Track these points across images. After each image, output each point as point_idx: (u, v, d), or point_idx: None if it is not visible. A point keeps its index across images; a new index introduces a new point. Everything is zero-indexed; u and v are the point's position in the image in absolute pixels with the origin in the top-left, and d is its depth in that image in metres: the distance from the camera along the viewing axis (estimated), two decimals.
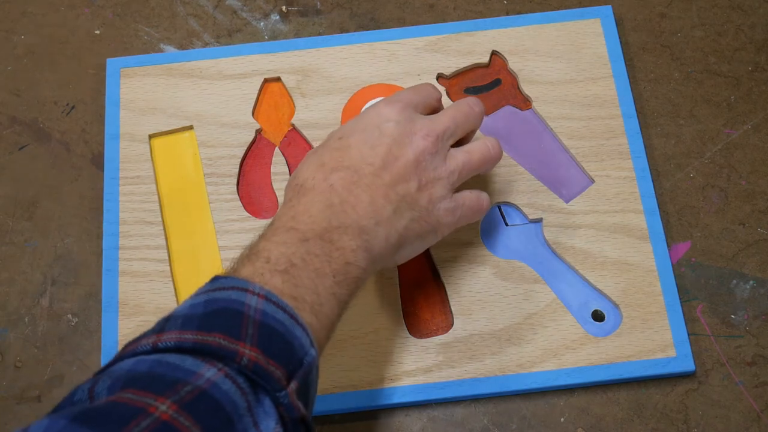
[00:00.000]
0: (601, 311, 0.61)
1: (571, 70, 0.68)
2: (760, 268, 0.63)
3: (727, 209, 0.64)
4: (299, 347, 0.44)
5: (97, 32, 0.73)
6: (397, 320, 0.61)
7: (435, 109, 0.58)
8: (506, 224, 0.64)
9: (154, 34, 0.73)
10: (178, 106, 0.68)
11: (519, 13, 0.72)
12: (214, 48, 0.70)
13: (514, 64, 0.68)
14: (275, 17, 0.73)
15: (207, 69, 0.69)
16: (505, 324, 0.60)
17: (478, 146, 0.57)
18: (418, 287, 0.62)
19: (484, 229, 0.64)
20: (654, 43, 0.70)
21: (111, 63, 0.69)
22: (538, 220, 0.63)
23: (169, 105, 0.68)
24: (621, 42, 0.69)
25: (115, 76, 0.69)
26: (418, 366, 0.59)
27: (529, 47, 0.69)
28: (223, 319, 0.43)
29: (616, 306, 0.61)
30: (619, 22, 0.71)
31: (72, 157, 0.68)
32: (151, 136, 0.67)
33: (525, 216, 0.64)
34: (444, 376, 0.59)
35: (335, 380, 0.59)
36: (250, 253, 0.48)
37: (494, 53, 0.69)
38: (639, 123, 0.66)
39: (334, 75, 0.68)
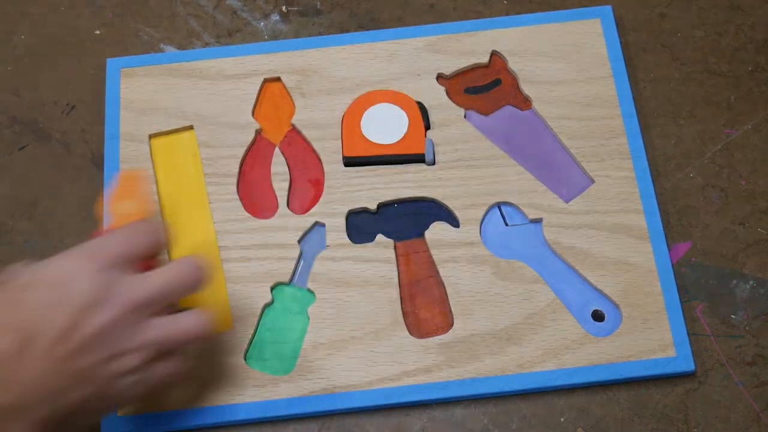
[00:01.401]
0: (601, 311, 0.61)
1: (571, 70, 0.68)
2: (760, 268, 0.63)
3: (727, 209, 0.64)
4: None
5: (97, 32, 0.73)
6: (397, 320, 0.61)
7: (153, 255, 0.52)
8: (506, 224, 0.64)
9: (154, 34, 0.73)
10: (178, 106, 0.68)
11: (519, 13, 0.72)
12: (214, 48, 0.70)
13: (514, 64, 0.68)
14: (275, 17, 0.73)
15: (207, 69, 0.69)
16: (505, 324, 0.60)
17: (184, 320, 0.51)
18: (418, 287, 0.62)
19: (484, 229, 0.64)
20: (654, 43, 0.70)
21: (111, 63, 0.69)
22: (538, 220, 0.63)
23: (169, 105, 0.68)
24: (621, 42, 0.69)
25: (115, 76, 0.69)
26: (418, 366, 0.59)
27: (529, 47, 0.69)
28: None
29: (616, 306, 0.61)
30: (619, 22, 0.71)
31: (72, 157, 0.68)
32: (151, 136, 0.67)
33: (525, 216, 0.64)
34: (444, 376, 0.59)
35: (335, 380, 0.59)
36: None
37: (494, 53, 0.69)
38: (639, 123, 0.66)
39: (334, 75, 0.68)
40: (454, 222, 0.63)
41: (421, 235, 0.63)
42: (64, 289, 0.47)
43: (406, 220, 0.64)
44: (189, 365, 0.53)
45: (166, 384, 0.52)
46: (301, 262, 0.62)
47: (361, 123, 0.66)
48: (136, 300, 0.48)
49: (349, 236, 0.63)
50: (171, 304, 0.52)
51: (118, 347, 0.48)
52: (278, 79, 0.68)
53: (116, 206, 0.56)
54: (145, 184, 0.58)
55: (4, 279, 0.48)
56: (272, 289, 0.62)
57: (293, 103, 0.67)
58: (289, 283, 0.62)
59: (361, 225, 0.64)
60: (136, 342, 0.48)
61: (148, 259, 0.52)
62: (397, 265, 0.62)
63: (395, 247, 0.63)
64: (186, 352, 0.53)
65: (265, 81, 0.68)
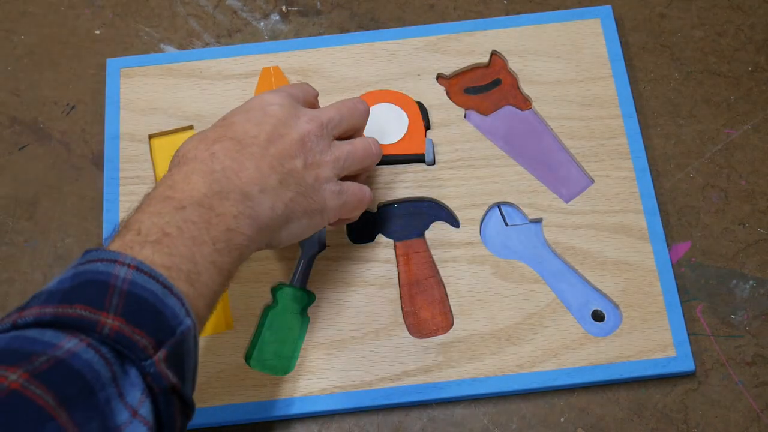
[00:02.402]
0: (601, 311, 0.61)
1: (571, 70, 0.68)
2: (760, 268, 0.63)
3: (727, 209, 0.64)
4: (172, 316, 0.43)
5: (97, 32, 0.73)
6: (397, 320, 0.61)
7: (313, 106, 0.59)
8: (506, 224, 0.64)
9: (154, 34, 0.73)
10: (178, 106, 0.68)
11: (519, 13, 0.72)
12: (214, 48, 0.70)
13: (514, 64, 0.68)
14: (275, 17, 0.73)
15: (207, 69, 0.69)
16: (505, 324, 0.60)
17: (361, 141, 0.58)
18: (418, 287, 0.62)
19: (484, 229, 0.64)
20: (654, 43, 0.70)
21: (111, 63, 0.69)
22: (538, 220, 0.63)
23: (169, 105, 0.68)
24: (621, 42, 0.69)
25: (115, 76, 0.69)
26: (418, 366, 0.59)
27: (529, 47, 0.69)
28: (86, 291, 0.42)
29: (616, 306, 0.61)
30: (619, 22, 0.71)
31: (72, 157, 0.68)
32: (151, 136, 0.67)
33: (525, 216, 0.64)
34: (444, 376, 0.59)
35: (335, 380, 0.59)
36: (123, 226, 0.47)
37: (494, 53, 0.69)
38: (639, 123, 0.66)
39: (334, 75, 0.68)
40: (454, 222, 0.63)
41: (421, 235, 0.63)
42: (262, 112, 0.53)
43: (406, 220, 0.64)
44: (370, 194, 0.58)
45: (355, 204, 0.57)
46: (301, 262, 0.62)
47: None
48: (322, 118, 0.55)
49: (349, 236, 0.63)
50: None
51: (314, 157, 0.54)
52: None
53: None
54: (284, 76, 0.68)
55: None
56: (272, 289, 0.62)
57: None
58: (289, 283, 0.62)
59: (361, 225, 0.64)
60: (328, 154, 0.54)
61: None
62: (397, 265, 0.62)
63: (395, 247, 0.63)
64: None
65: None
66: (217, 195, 0.48)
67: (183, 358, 0.43)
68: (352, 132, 0.58)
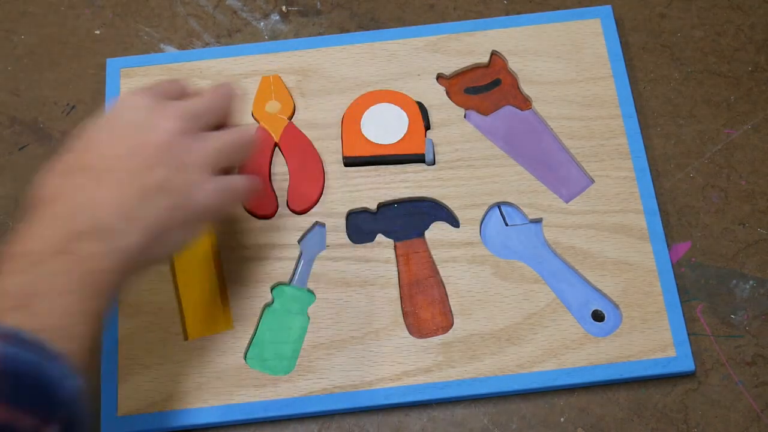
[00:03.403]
0: (601, 311, 0.61)
1: (571, 70, 0.68)
2: (760, 268, 0.63)
3: (727, 209, 0.64)
4: (57, 382, 0.40)
5: (97, 32, 0.73)
6: (397, 320, 0.61)
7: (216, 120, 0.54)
8: (506, 224, 0.64)
9: (154, 34, 0.73)
10: None
11: (519, 13, 0.72)
12: (214, 48, 0.70)
13: (514, 64, 0.68)
14: (275, 17, 0.73)
15: (207, 69, 0.69)
16: (505, 324, 0.60)
17: (234, 130, 0.54)
18: (418, 287, 0.62)
19: (484, 229, 0.64)
20: (654, 43, 0.70)
21: (111, 63, 0.69)
22: (538, 220, 0.63)
23: None
24: (621, 42, 0.69)
25: (115, 76, 0.69)
26: (418, 366, 0.59)
27: (529, 47, 0.69)
28: None
29: (616, 306, 0.61)
30: (619, 22, 0.71)
31: None
32: None
33: (525, 216, 0.64)
34: (444, 376, 0.59)
35: (335, 380, 0.59)
36: None
37: (494, 53, 0.69)
38: (639, 123, 0.66)
39: (334, 75, 0.68)
40: (454, 222, 0.63)
41: (421, 235, 0.63)
42: (121, 120, 0.50)
43: (406, 220, 0.64)
44: (253, 180, 0.55)
45: (238, 195, 0.53)
46: (301, 262, 0.62)
47: (361, 123, 0.66)
48: (185, 111, 0.51)
49: (349, 236, 0.63)
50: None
51: (181, 157, 0.49)
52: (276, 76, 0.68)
53: (261, 108, 0.66)
54: (284, 85, 0.67)
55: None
56: (272, 289, 0.62)
57: (291, 97, 0.67)
58: (289, 283, 0.62)
59: (361, 225, 0.64)
60: (198, 150, 0.50)
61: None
62: (397, 265, 0.62)
63: (395, 247, 0.63)
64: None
65: (263, 77, 0.68)
66: (75, 238, 0.45)
67: (77, 423, 0.41)
68: (224, 120, 0.54)
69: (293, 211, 0.64)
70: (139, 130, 0.49)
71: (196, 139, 0.51)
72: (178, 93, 0.53)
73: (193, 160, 0.50)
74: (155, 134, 0.49)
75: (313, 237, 0.63)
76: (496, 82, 0.68)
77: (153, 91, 0.52)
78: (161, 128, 0.49)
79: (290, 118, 0.67)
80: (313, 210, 0.64)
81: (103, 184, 0.47)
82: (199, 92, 0.55)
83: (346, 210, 0.64)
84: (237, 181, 0.53)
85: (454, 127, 0.66)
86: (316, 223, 0.64)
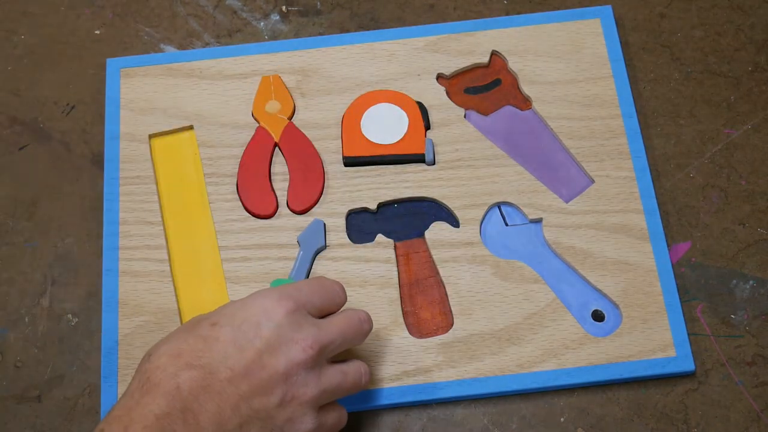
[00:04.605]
0: (601, 311, 0.61)
1: (571, 70, 0.68)
2: (760, 268, 0.63)
3: (727, 209, 0.64)
4: None
5: (97, 32, 0.73)
6: (397, 320, 0.61)
7: (331, 313, 0.53)
8: (506, 224, 0.64)
9: (154, 34, 0.73)
10: (178, 106, 0.68)
11: (519, 13, 0.72)
12: (214, 48, 0.70)
13: (514, 64, 0.68)
14: (275, 17, 0.73)
15: (207, 69, 0.69)
16: (505, 324, 0.60)
17: (355, 369, 0.52)
18: (418, 287, 0.62)
19: (484, 229, 0.64)
20: (654, 43, 0.70)
21: (111, 63, 0.69)
22: (538, 220, 0.63)
23: (169, 105, 0.68)
24: (621, 42, 0.69)
25: (115, 76, 0.69)
26: (418, 366, 0.59)
27: (529, 47, 0.69)
28: None
29: (616, 306, 0.61)
30: (619, 22, 0.71)
31: (72, 157, 0.68)
32: (151, 136, 0.67)
33: (525, 216, 0.64)
34: (444, 376, 0.59)
35: None
36: None
37: (494, 53, 0.69)
38: (639, 123, 0.66)
39: (334, 75, 0.68)
40: (454, 222, 0.63)
41: (421, 235, 0.63)
42: (254, 330, 0.48)
43: (406, 220, 0.64)
44: (345, 414, 0.54)
45: (333, 431, 0.52)
46: (299, 257, 0.62)
47: (361, 123, 0.66)
48: (322, 342, 0.49)
49: (349, 236, 0.63)
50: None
51: (296, 392, 0.48)
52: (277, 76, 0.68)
53: (261, 108, 0.66)
54: (284, 85, 0.67)
55: (206, 314, 0.50)
56: (271, 283, 0.62)
57: (291, 98, 0.67)
58: (288, 277, 0.62)
59: (361, 225, 0.64)
60: (314, 386, 0.49)
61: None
62: (397, 265, 0.62)
63: (395, 247, 0.63)
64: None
65: (263, 77, 0.68)
66: None
67: None
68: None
69: (293, 211, 0.64)
70: (265, 349, 0.48)
71: (315, 373, 0.49)
72: (321, 306, 0.52)
73: (305, 396, 0.49)
74: (279, 361, 0.48)
75: (311, 232, 0.63)
76: (496, 82, 0.68)
77: (297, 303, 0.50)
78: (290, 355, 0.48)
79: (290, 118, 0.67)
80: (313, 210, 0.64)
81: (213, 393, 0.47)
82: (340, 311, 0.53)
83: (346, 210, 0.64)
84: (337, 421, 0.52)
85: (454, 127, 0.66)
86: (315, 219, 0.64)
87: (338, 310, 0.53)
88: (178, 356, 0.47)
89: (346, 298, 0.54)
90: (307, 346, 0.49)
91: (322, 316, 0.52)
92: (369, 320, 0.53)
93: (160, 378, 0.47)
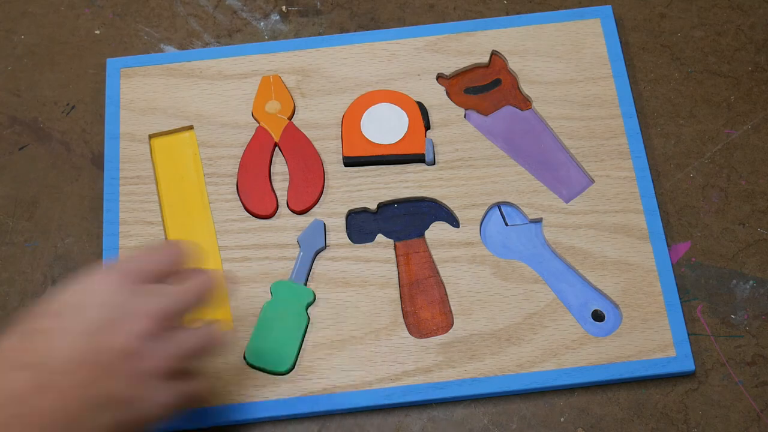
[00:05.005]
0: (601, 311, 0.61)
1: (571, 70, 0.68)
2: (760, 268, 0.63)
3: (727, 209, 0.64)
4: None
5: (97, 32, 0.73)
6: (397, 320, 0.61)
7: (172, 274, 0.49)
8: (506, 224, 0.64)
9: (154, 34, 0.73)
10: (178, 106, 0.68)
11: (519, 13, 0.72)
12: (214, 48, 0.70)
13: (514, 64, 0.68)
14: (275, 17, 0.73)
15: (207, 69, 0.69)
16: (505, 324, 0.60)
17: (200, 331, 0.49)
18: (418, 287, 0.62)
19: (484, 229, 0.64)
20: (654, 43, 0.70)
21: (111, 63, 0.69)
22: (538, 220, 0.63)
23: (169, 105, 0.68)
24: (621, 42, 0.69)
25: (115, 76, 0.69)
26: (418, 366, 0.59)
27: (529, 47, 0.69)
28: None
29: (616, 306, 0.61)
30: (619, 22, 0.71)
31: (72, 157, 0.68)
32: (151, 136, 0.67)
33: (525, 216, 0.64)
34: (444, 376, 0.59)
35: (335, 380, 0.59)
36: None
37: (494, 53, 0.69)
38: (639, 123, 0.66)
39: (334, 75, 0.68)
40: (454, 222, 0.63)
41: (421, 235, 0.63)
42: (78, 314, 0.45)
43: (406, 220, 0.64)
44: (209, 383, 0.51)
45: (192, 402, 0.50)
46: (300, 258, 0.62)
47: (361, 123, 0.66)
48: (157, 310, 0.46)
49: (349, 236, 0.63)
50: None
51: (140, 364, 0.45)
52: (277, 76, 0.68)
53: (261, 108, 0.66)
54: (284, 85, 0.67)
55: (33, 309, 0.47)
56: (271, 285, 0.62)
57: (291, 98, 0.67)
58: (289, 279, 0.62)
59: (361, 225, 0.64)
60: (158, 356, 0.46)
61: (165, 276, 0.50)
62: (397, 265, 0.62)
63: (395, 247, 0.63)
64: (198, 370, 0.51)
65: (263, 77, 0.68)
66: None
67: None
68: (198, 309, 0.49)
69: (293, 211, 0.64)
70: (101, 330, 0.44)
71: (159, 341, 0.46)
72: (158, 272, 0.48)
73: (151, 367, 0.46)
74: (117, 338, 0.45)
75: (311, 232, 0.63)
76: (496, 82, 0.68)
77: (130, 272, 0.47)
78: (126, 331, 0.45)
79: (290, 118, 0.67)
80: (313, 210, 0.64)
81: (51, 391, 0.43)
82: (182, 274, 0.49)
83: (346, 210, 0.64)
84: (191, 387, 0.49)
85: (454, 127, 0.66)
86: (315, 220, 0.64)
87: (181, 269, 0.49)
88: (5, 360, 0.44)
89: (183, 255, 0.49)
90: (146, 315, 0.45)
91: (163, 282, 0.49)
92: (209, 279, 0.49)
93: None
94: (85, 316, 0.45)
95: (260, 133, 0.66)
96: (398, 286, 0.62)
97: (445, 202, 0.64)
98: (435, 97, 0.67)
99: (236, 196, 0.65)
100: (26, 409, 0.43)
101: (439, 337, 0.60)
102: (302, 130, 0.66)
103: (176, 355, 0.47)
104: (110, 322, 0.45)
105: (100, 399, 0.44)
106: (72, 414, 0.43)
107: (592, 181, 0.64)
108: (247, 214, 0.64)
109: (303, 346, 0.60)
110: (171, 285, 0.48)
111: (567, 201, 0.64)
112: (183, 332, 0.48)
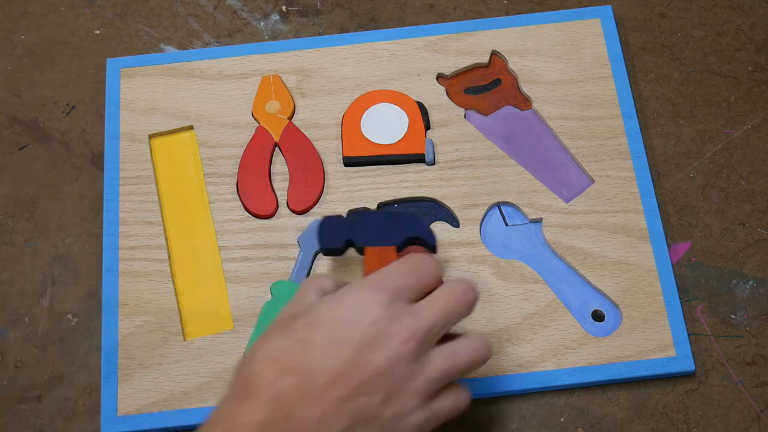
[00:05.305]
0: (601, 311, 0.61)
1: (571, 70, 0.68)
2: (760, 268, 0.63)
3: (727, 209, 0.64)
4: None
5: (97, 32, 0.73)
6: None
7: (430, 290, 0.49)
8: (506, 224, 0.64)
9: (154, 34, 0.73)
10: (178, 106, 0.68)
11: (519, 13, 0.72)
12: (214, 48, 0.70)
13: (514, 64, 0.68)
14: (275, 17, 0.73)
15: (207, 69, 0.69)
16: (505, 324, 0.60)
17: (466, 348, 0.48)
18: None
19: (484, 229, 0.64)
20: (654, 43, 0.70)
21: (111, 63, 0.69)
22: (538, 220, 0.63)
23: (169, 105, 0.68)
24: (621, 42, 0.69)
25: (115, 76, 0.69)
26: None
27: (529, 47, 0.69)
28: None
29: (616, 306, 0.61)
30: (619, 22, 0.71)
31: (72, 157, 0.68)
32: (151, 136, 0.67)
33: (525, 216, 0.64)
34: None
35: None
36: None
37: (494, 53, 0.69)
38: (639, 123, 0.66)
39: (334, 75, 0.68)
40: (454, 222, 0.63)
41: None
42: (350, 328, 0.46)
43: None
44: (469, 394, 0.50)
45: (449, 417, 0.49)
46: (300, 258, 0.62)
47: (361, 123, 0.66)
48: (423, 329, 0.46)
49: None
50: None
51: (401, 386, 0.46)
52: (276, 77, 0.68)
53: (261, 108, 0.66)
54: (284, 85, 0.67)
55: (298, 311, 0.48)
56: (271, 285, 0.62)
57: (291, 98, 0.67)
58: (289, 279, 0.62)
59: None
60: (419, 378, 0.46)
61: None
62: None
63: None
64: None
65: (263, 77, 0.68)
66: None
67: None
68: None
69: (293, 211, 0.64)
70: (363, 346, 0.45)
71: (421, 363, 0.46)
72: (417, 288, 0.48)
73: (410, 390, 0.46)
74: (379, 356, 0.45)
75: (311, 232, 0.63)
76: (496, 82, 0.68)
77: (393, 293, 0.47)
78: (388, 351, 0.46)
79: (290, 118, 0.67)
80: (313, 210, 0.64)
81: (313, 399, 0.45)
82: (439, 290, 0.49)
83: (346, 210, 0.64)
84: (453, 404, 0.49)
85: (454, 127, 0.66)
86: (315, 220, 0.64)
87: (435, 285, 0.50)
88: (275, 361, 0.46)
89: (441, 272, 0.50)
90: (407, 338, 0.46)
91: (422, 297, 0.49)
92: (471, 289, 0.49)
93: (259, 385, 0.45)
94: (356, 331, 0.46)
95: (260, 133, 0.66)
96: None
97: (445, 202, 0.64)
98: (435, 97, 0.67)
99: (236, 196, 0.65)
100: (289, 412, 0.44)
101: None
102: (302, 130, 0.66)
103: (434, 378, 0.47)
104: (377, 340, 0.46)
105: (355, 414, 0.45)
106: (328, 425, 0.44)
107: (592, 181, 0.64)
108: (247, 214, 0.64)
109: None
110: (431, 302, 0.48)
111: (567, 201, 0.64)
112: (444, 351, 0.48)
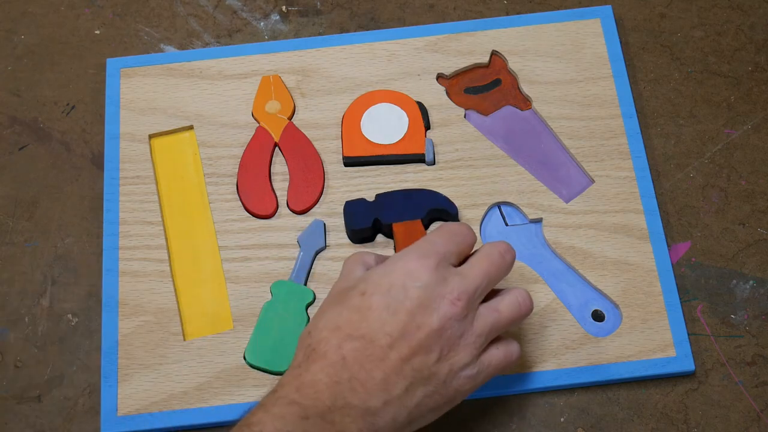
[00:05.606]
0: (601, 311, 0.61)
1: (571, 70, 0.68)
2: (760, 268, 0.63)
3: (727, 209, 0.64)
4: None
5: (97, 32, 0.73)
6: None
7: (468, 254, 0.54)
8: (506, 224, 0.64)
9: (154, 34, 0.73)
10: (178, 106, 0.68)
11: (519, 13, 0.72)
12: (214, 48, 0.70)
13: (514, 64, 0.68)
14: (275, 17, 0.73)
15: (207, 69, 0.69)
16: None
17: (509, 303, 0.52)
18: None
19: (484, 229, 0.64)
20: (654, 43, 0.70)
21: (111, 63, 0.69)
22: (538, 220, 0.63)
23: (169, 105, 0.68)
24: (621, 42, 0.69)
25: (115, 76, 0.69)
26: None
27: (529, 47, 0.69)
28: None
29: (616, 306, 0.61)
30: (619, 22, 0.71)
31: (72, 157, 0.68)
32: (151, 136, 0.67)
33: (525, 216, 0.64)
34: None
35: None
36: (244, 423, 0.47)
37: (494, 53, 0.69)
38: (639, 123, 0.66)
39: (334, 75, 0.68)
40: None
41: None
42: (403, 293, 0.49)
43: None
44: (519, 346, 0.54)
45: (497, 373, 0.53)
46: (300, 258, 0.62)
47: (361, 123, 0.66)
48: (469, 291, 0.50)
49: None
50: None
51: (453, 343, 0.49)
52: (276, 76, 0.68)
53: (261, 108, 0.66)
54: (284, 85, 0.67)
55: (349, 284, 0.52)
56: (271, 285, 0.62)
57: (291, 98, 0.67)
58: (289, 279, 0.62)
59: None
60: (469, 334, 0.50)
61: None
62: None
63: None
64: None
65: (263, 77, 0.68)
66: (339, 410, 0.47)
67: None
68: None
69: (293, 211, 0.64)
70: (416, 310, 0.49)
71: (470, 321, 0.50)
72: (458, 252, 0.52)
73: (461, 346, 0.50)
74: (432, 319, 0.49)
75: (311, 232, 0.63)
76: (496, 82, 0.68)
77: (439, 258, 0.51)
78: (439, 313, 0.49)
79: (290, 118, 0.67)
80: (313, 210, 0.64)
81: (375, 361, 0.48)
82: (480, 252, 0.53)
83: None
84: (503, 357, 0.53)
85: (454, 127, 0.66)
86: (315, 220, 0.64)
87: (471, 250, 0.53)
88: (337, 329, 0.49)
89: (475, 237, 0.54)
90: (455, 299, 0.50)
91: (461, 261, 0.53)
92: (509, 250, 0.53)
93: (325, 349, 0.48)
94: (409, 296, 0.49)
95: (260, 133, 0.66)
96: None
97: None
98: (435, 97, 0.67)
99: (236, 196, 0.65)
100: (355, 373, 0.48)
101: None
102: (302, 130, 0.66)
103: (482, 333, 0.50)
104: (428, 302, 0.49)
105: (414, 373, 0.48)
106: (391, 385, 0.48)
107: (592, 181, 0.64)
108: (247, 214, 0.64)
109: None
110: (473, 264, 0.52)
111: (567, 201, 0.64)
112: (488, 308, 0.51)
